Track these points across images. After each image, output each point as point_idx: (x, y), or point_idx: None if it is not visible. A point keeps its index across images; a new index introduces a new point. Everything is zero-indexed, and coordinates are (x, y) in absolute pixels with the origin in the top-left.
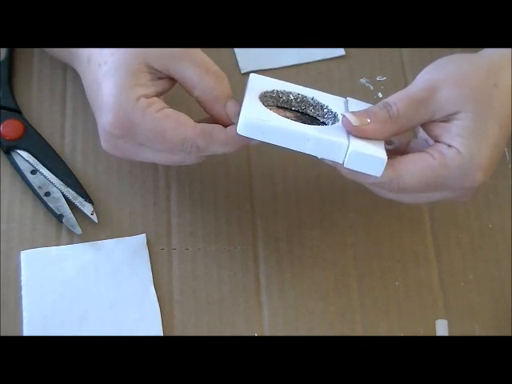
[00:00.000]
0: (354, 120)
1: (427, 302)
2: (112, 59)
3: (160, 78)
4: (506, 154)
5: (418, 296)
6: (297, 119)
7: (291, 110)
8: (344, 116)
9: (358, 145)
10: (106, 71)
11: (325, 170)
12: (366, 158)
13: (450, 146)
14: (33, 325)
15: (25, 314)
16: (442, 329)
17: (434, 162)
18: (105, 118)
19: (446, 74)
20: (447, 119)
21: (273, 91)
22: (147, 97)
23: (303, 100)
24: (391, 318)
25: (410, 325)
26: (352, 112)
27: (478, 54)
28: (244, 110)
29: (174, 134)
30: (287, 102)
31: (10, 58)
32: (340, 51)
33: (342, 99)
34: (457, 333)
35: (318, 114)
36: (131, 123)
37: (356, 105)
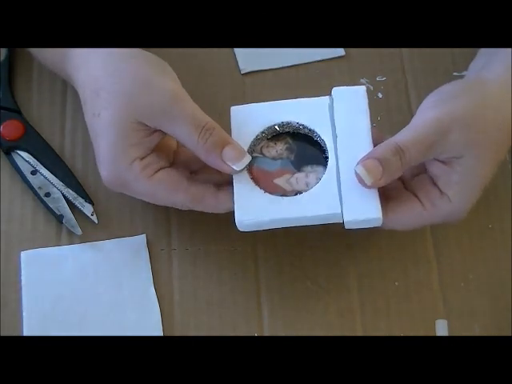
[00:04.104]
0: (368, 180)
1: (427, 302)
2: (105, 114)
3: (152, 133)
4: (506, 154)
5: (418, 296)
6: (289, 152)
7: (282, 133)
8: (357, 173)
9: (350, 212)
10: (101, 126)
11: None
12: (362, 222)
13: (442, 193)
14: (33, 325)
15: (25, 314)
16: (441, 329)
17: (425, 213)
18: (102, 170)
19: (456, 114)
20: (449, 161)
21: (257, 136)
22: (141, 158)
23: (289, 124)
24: (391, 318)
25: (409, 325)
26: (364, 164)
27: (484, 84)
28: (237, 211)
29: (165, 197)
30: (275, 131)
31: (10, 58)
32: (340, 51)
33: (326, 100)
34: (457, 333)
35: (308, 133)
36: (125, 182)
37: (342, 102)
